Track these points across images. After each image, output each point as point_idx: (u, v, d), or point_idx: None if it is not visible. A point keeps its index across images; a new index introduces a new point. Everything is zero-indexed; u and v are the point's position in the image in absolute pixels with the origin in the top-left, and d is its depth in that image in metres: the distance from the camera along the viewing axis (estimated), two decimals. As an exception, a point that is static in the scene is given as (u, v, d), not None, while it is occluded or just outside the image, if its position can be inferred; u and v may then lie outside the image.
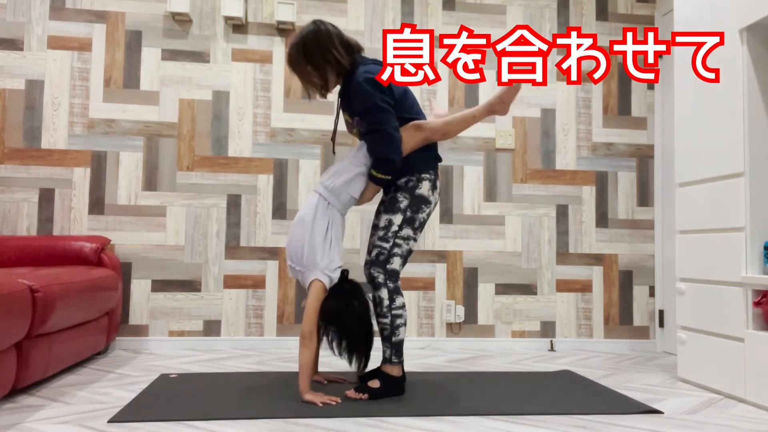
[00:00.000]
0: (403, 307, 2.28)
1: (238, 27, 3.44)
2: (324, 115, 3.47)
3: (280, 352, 3.25)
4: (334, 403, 2.12)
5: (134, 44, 3.37)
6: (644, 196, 3.67)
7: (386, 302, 2.26)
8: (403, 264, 2.32)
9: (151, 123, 3.36)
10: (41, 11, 3.30)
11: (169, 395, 2.24)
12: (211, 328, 3.33)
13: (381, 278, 2.28)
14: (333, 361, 2.92)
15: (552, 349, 3.52)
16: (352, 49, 2.34)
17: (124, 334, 3.27)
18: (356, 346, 2.24)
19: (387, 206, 2.32)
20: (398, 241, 2.29)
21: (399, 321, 2.27)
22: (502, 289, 3.54)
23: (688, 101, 2.70)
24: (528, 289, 3.56)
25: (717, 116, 2.50)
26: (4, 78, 3.26)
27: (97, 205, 3.30)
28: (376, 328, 2.28)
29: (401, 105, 2.31)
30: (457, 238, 3.52)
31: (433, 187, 2.33)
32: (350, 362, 2.27)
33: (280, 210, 3.41)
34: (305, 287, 2.24)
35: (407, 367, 2.86)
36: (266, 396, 2.25)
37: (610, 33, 3.70)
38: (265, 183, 3.42)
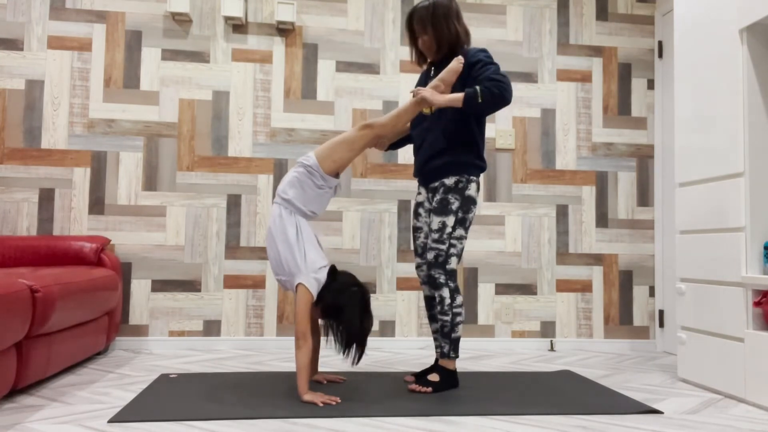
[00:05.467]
0: (462, 305, 2.40)
1: (238, 27, 3.44)
2: (324, 115, 3.47)
3: (280, 352, 3.25)
4: (334, 403, 2.12)
5: (134, 44, 3.37)
6: (644, 196, 3.67)
7: (447, 301, 2.37)
8: (459, 261, 2.43)
9: (151, 123, 3.36)
10: (41, 11, 3.30)
11: (169, 395, 2.24)
12: (211, 328, 3.33)
13: (442, 279, 2.37)
14: (332, 361, 2.92)
15: (552, 349, 3.52)
16: (467, 32, 2.50)
17: (124, 334, 3.27)
18: (355, 336, 2.22)
19: (438, 209, 2.39)
20: (453, 241, 2.38)
21: (459, 318, 2.38)
22: (502, 289, 3.54)
23: (688, 101, 2.70)
24: (528, 289, 3.56)
25: (717, 116, 2.50)
26: (4, 78, 3.26)
27: (97, 205, 3.30)
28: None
29: None
30: (457, 238, 3.52)
31: (478, 189, 2.46)
32: (348, 354, 2.24)
33: (280, 210, 3.41)
34: (294, 293, 2.24)
35: (407, 368, 2.87)
36: (266, 396, 2.25)
37: (610, 33, 3.70)
38: (265, 183, 3.42)
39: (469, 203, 2.40)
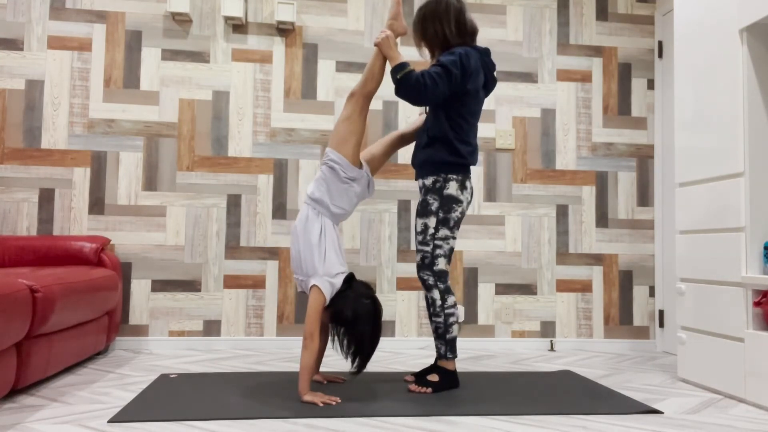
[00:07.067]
0: (454, 305, 2.38)
1: (238, 27, 3.44)
2: (323, 115, 3.47)
3: (280, 352, 3.25)
4: (334, 403, 2.12)
5: (134, 44, 3.37)
6: (644, 196, 3.67)
7: (439, 302, 2.36)
8: (449, 262, 2.40)
9: (151, 123, 3.36)
10: (41, 11, 3.30)
11: (169, 395, 2.24)
12: (211, 328, 3.33)
13: (431, 280, 2.37)
14: (332, 361, 2.92)
15: (552, 349, 3.52)
16: (466, 31, 2.41)
17: (124, 334, 3.27)
18: (364, 346, 2.21)
19: (420, 211, 2.40)
20: (437, 242, 2.37)
21: (452, 319, 2.37)
22: (503, 289, 3.54)
23: (688, 101, 2.70)
24: (528, 289, 3.56)
25: (717, 116, 2.50)
26: (4, 78, 3.26)
27: (97, 205, 3.30)
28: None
29: (463, 98, 2.35)
30: (458, 239, 3.51)
31: (462, 187, 2.39)
32: (353, 362, 2.24)
33: (280, 210, 3.41)
34: (308, 294, 2.24)
35: (406, 368, 2.87)
36: (266, 396, 2.25)
37: (610, 33, 3.70)
38: (265, 183, 3.42)
39: (449, 203, 2.36)
